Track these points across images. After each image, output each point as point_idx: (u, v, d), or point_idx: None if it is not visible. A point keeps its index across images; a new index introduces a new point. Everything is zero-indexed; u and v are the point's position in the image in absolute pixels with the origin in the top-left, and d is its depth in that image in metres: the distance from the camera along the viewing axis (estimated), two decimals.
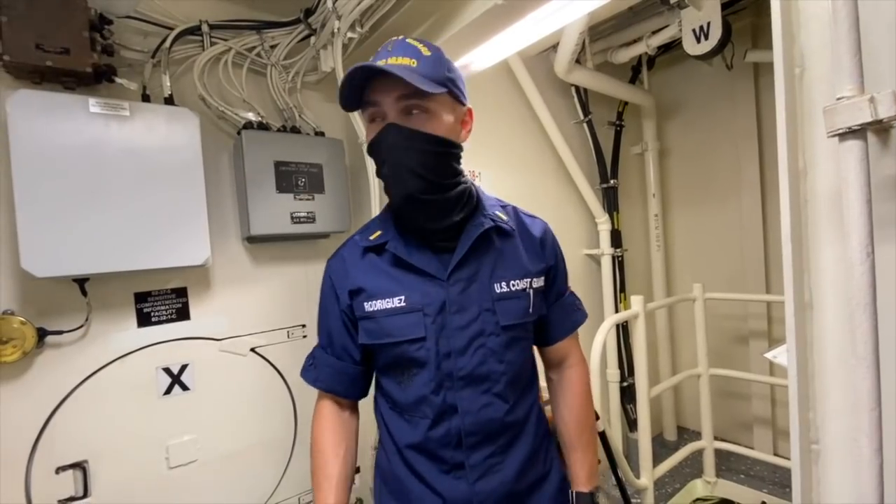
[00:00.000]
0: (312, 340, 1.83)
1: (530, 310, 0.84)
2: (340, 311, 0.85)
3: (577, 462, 0.91)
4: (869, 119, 0.50)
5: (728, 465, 2.68)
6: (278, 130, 1.64)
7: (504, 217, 0.87)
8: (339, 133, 1.83)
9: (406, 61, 0.71)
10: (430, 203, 0.77)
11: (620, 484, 1.96)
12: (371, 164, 1.64)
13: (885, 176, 0.57)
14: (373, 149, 0.77)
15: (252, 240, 1.65)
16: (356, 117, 1.60)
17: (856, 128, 0.51)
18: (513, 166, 2.44)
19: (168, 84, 1.47)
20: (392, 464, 0.84)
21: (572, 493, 0.90)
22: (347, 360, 0.87)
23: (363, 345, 0.84)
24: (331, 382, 0.88)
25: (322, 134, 1.74)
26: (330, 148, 1.69)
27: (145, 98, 1.43)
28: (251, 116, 1.59)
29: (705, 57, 2.21)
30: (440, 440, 0.79)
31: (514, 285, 0.82)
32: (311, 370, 0.91)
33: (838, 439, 0.62)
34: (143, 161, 1.32)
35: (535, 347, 0.94)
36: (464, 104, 0.82)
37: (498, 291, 0.81)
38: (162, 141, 1.36)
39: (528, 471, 0.83)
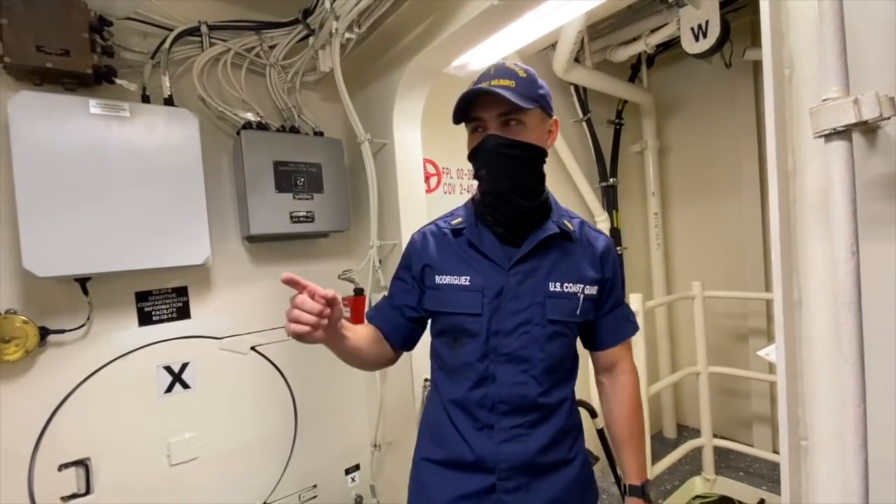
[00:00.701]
0: None
1: (577, 312, 0.93)
2: (410, 276, 0.99)
3: (628, 458, 1.00)
4: (853, 120, 0.51)
5: (727, 462, 2.69)
6: (277, 130, 1.65)
7: (570, 227, 0.97)
8: (338, 133, 1.84)
9: (506, 82, 0.84)
10: (514, 203, 0.90)
11: (619, 481, 1.98)
12: (371, 163, 1.65)
13: (871, 176, 0.57)
14: (474, 155, 0.90)
15: (252, 239, 1.67)
16: (355, 117, 1.61)
17: (840, 129, 0.52)
18: None
19: (168, 85, 1.48)
20: (437, 412, 0.98)
21: (625, 485, 1.00)
22: (398, 312, 1.00)
23: (425, 309, 0.97)
24: (380, 321, 1.01)
25: (321, 134, 1.75)
26: (329, 148, 1.70)
27: (145, 99, 1.45)
28: (250, 116, 1.60)
29: (704, 55, 2.22)
30: (477, 401, 0.91)
31: (567, 287, 0.92)
32: (373, 311, 1.05)
33: (826, 435, 0.63)
34: (143, 161, 1.34)
35: (587, 351, 1.07)
36: (551, 116, 0.95)
37: (551, 289, 0.91)
38: (162, 141, 1.37)
39: (550, 450, 0.92)
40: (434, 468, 0.95)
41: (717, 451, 2.56)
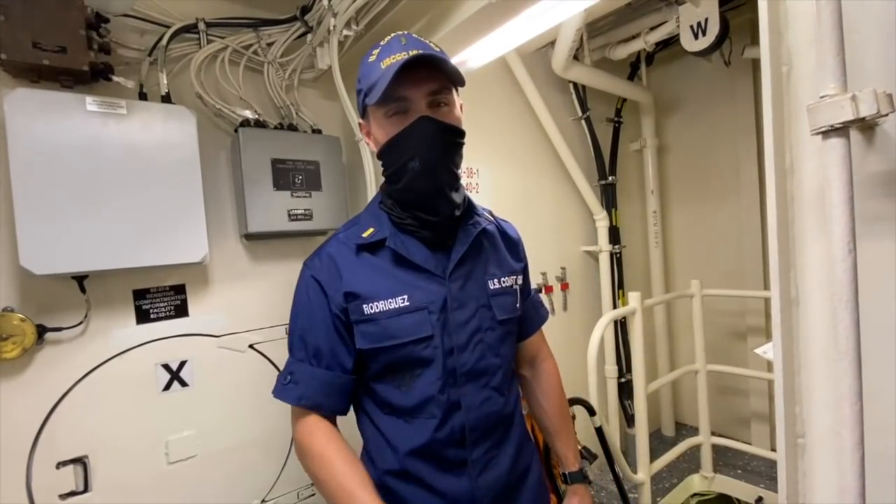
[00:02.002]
0: None
1: (517, 305, 0.88)
2: (333, 315, 0.78)
3: (563, 446, 0.97)
4: (851, 117, 0.51)
5: (725, 460, 2.70)
6: (275, 128, 1.65)
7: (491, 218, 0.92)
8: (336, 130, 1.84)
9: (433, 54, 0.72)
10: (449, 199, 0.78)
11: (617, 479, 1.98)
12: (369, 161, 1.65)
13: (869, 173, 0.57)
14: (400, 142, 0.74)
15: (250, 237, 1.66)
16: (352, 114, 1.61)
17: (838, 126, 0.52)
18: (511, 163, 2.45)
19: (165, 82, 1.47)
20: (382, 477, 0.81)
21: (564, 473, 0.96)
22: (337, 369, 0.80)
23: (360, 350, 0.79)
24: (318, 398, 0.79)
25: (319, 131, 1.75)
26: (327, 145, 1.69)
27: (142, 96, 1.44)
28: (248, 114, 1.60)
29: (703, 53, 2.21)
30: (445, 440, 0.78)
31: (504, 282, 0.86)
32: (292, 388, 0.79)
33: (823, 433, 0.63)
34: (140, 159, 1.33)
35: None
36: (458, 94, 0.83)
37: (492, 288, 0.84)
38: (159, 139, 1.37)
39: (517, 462, 0.85)
40: None
41: (716, 449, 2.57)
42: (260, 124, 1.60)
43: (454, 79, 0.75)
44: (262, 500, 1.74)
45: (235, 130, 1.57)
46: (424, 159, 0.74)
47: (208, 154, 1.58)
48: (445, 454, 0.78)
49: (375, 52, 0.76)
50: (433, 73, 0.73)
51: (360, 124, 0.86)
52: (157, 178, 1.36)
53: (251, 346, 1.71)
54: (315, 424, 0.79)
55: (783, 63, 0.67)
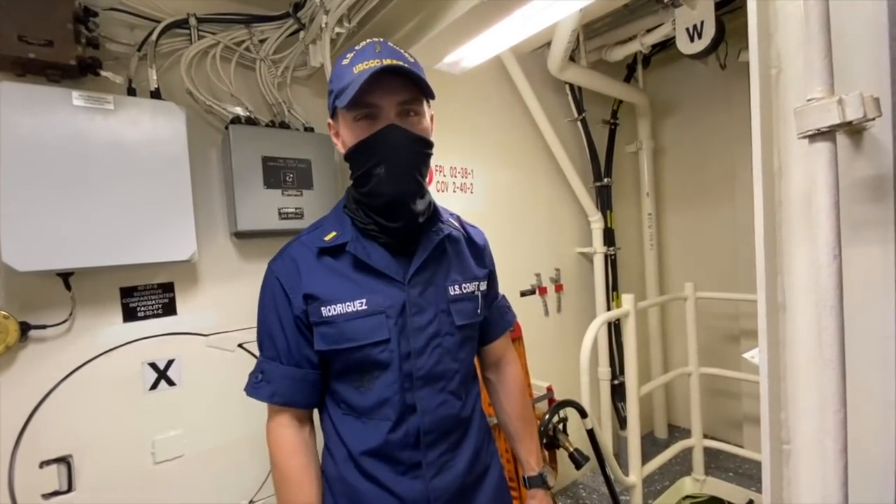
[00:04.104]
0: None
1: (479, 311, 0.90)
2: (294, 316, 0.81)
3: (525, 450, 0.99)
4: (837, 121, 0.50)
5: (717, 463, 2.70)
6: (267, 125, 1.63)
7: (456, 225, 0.93)
8: (328, 129, 1.82)
9: (400, 64, 0.73)
10: (412, 207, 0.79)
11: (608, 481, 1.97)
12: None
13: (856, 178, 0.57)
14: (366, 148, 0.75)
15: (240, 235, 1.65)
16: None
17: (825, 129, 0.51)
18: (506, 164, 2.44)
19: (155, 78, 1.46)
20: (342, 470, 0.82)
21: (524, 477, 0.98)
22: (306, 366, 0.82)
23: (319, 351, 0.81)
24: (291, 395, 0.82)
25: (311, 130, 1.73)
26: (319, 144, 1.68)
27: (131, 92, 1.42)
28: (239, 111, 1.58)
29: (699, 56, 2.21)
30: (399, 442, 0.80)
31: (465, 288, 0.88)
32: (264, 386, 0.82)
33: (808, 440, 0.63)
34: (128, 155, 1.32)
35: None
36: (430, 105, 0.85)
37: (452, 294, 0.86)
38: (148, 135, 1.35)
39: (475, 464, 0.87)
40: None
41: (708, 451, 2.57)
42: (251, 121, 1.58)
43: (425, 91, 0.76)
44: (250, 501, 1.72)
45: (226, 127, 1.56)
46: (390, 166, 0.75)
47: (198, 151, 1.56)
48: (399, 456, 0.80)
49: (350, 55, 0.77)
50: (405, 83, 0.74)
51: (329, 124, 0.87)
52: (145, 174, 1.34)
53: (240, 346, 1.70)
54: (282, 430, 0.83)
55: (772, 66, 0.66)
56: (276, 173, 1.57)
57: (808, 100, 0.53)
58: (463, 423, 0.85)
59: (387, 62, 0.71)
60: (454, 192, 2.25)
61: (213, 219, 1.63)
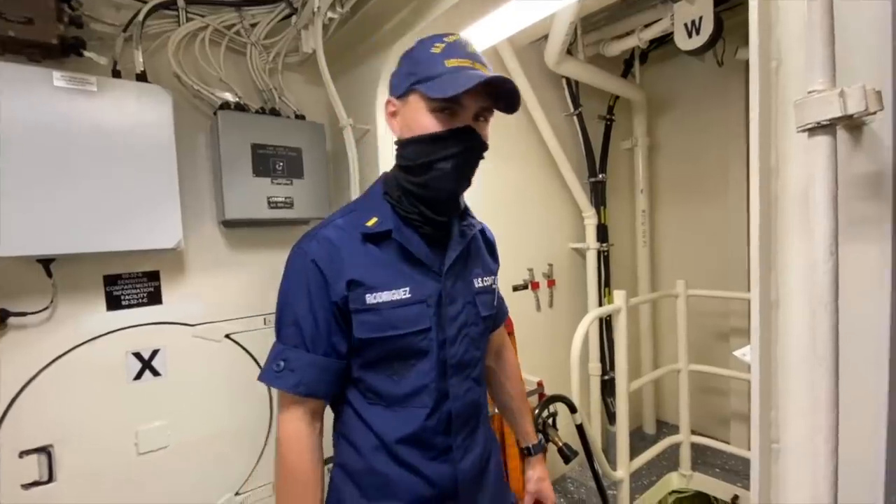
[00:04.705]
0: None
1: (495, 303, 0.95)
2: (331, 302, 0.78)
3: (525, 423, 1.11)
4: (838, 114, 0.49)
5: (704, 458, 2.72)
6: (257, 112, 1.59)
7: (477, 220, 0.96)
8: (320, 117, 1.79)
9: (488, 73, 0.73)
10: (458, 204, 0.86)
11: (596, 476, 1.98)
12: (353, 149, 1.61)
13: (855, 174, 0.55)
14: (439, 141, 0.74)
15: (228, 224, 1.62)
16: (337, 100, 1.56)
17: (825, 123, 0.50)
18: (500, 157, 2.41)
19: (141, 60, 1.41)
20: (370, 460, 0.80)
21: (528, 446, 1.09)
22: (333, 355, 0.80)
23: (358, 339, 0.79)
24: (315, 385, 0.79)
25: (303, 117, 1.70)
26: (310, 132, 1.65)
27: (116, 74, 1.38)
28: (228, 97, 1.54)
29: (696, 52, 2.20)
30: (434, 428, 0.81)
31: (485, 281, 0.91)
32: (287, 375, 0.78)
33: (798, 439, 0.62)
34: (111, 139, 1.28)
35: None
36: None
37: (476, 286, 0.88)
38: (132, 118, 1.31)
39: (485, 447, 0.91)
40: None
41: (695, 447, 2.59)
42: (240, 108, 1.55)
43: (513, 107, 0.77)
44: (236, 493, 1.71)
45: (214, 113, 1.52)
46: (457, 165, 0.76)
47: (186, 137, 1.53)
48: (433, 441, 0.81)
49: (438, 45, 0.75)
50: (488, 90, 0.74)
51: (388, 101, 0.82)
52: (130, 158, 1.30)
53: (227, 336, 1.67)
54: (297, 424, 0.79)
55: (772, 58, 0.64)
56: (266, 161, 1.54)
57: (809, 92, 0.52)
58: (480, 408, 0.90)
59: (491, 74, 0.72)
60: None
61: (201, 207, 1.60)
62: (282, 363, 0.79)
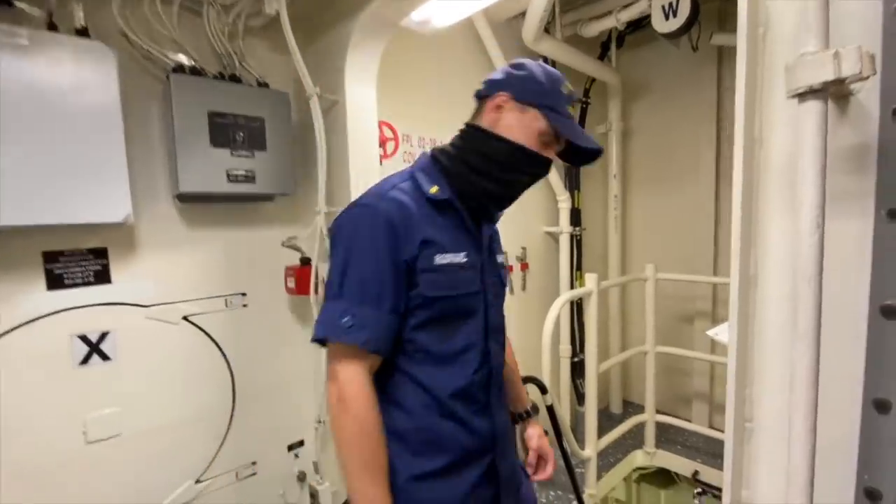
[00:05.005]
0: (254, 309, 1.76)
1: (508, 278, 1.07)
2: (402, 260, 0.80)
3: (521, 391, 1.16)
4: (832, 76, 0.46)
5: (667, 436, 2.82)
6: (215, 78, 1.48)
7: None
8: (285, 85, 1.68)
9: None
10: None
11: (565, 455, 2.01)
12: (320, 121, 1.52)
13: (839, 147, 0.53)
14: (530, 158, 0.86)
15: (184, 198, 1.51)
16: (303, 67, 1.47)
17: (817, 87, 0.47)
18: None
19: (81, 14, 1.27)
20: (419, 419, 0.85)
21: (527, 410, 1.14)
22: (395, 314, 0.81)
23: (424, 297, 0.82)
24: (383, 342, 0.80)
25: (266, 85, 1.59)
26: (274, 101, 1.54)
27: (52, 27, 1.24)
28: (183, 59, 1.42)
29: (673, 35, 2.19)
30: (479, 382, 0.88)
31: (500, 258, 1.01)
32: (358, 330, 0.78)
33: (772, 418, 0.61)
34: (46, 99, 1.15)
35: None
36: None
37: (499, 261, 0.99)
38: (71, 78, 1.19)
39: (507, 406, 1.01)
40: (430, 483, 0.84)
41: (659, 425, 2.68)
42: (196, 72, 1.43)
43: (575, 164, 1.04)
44: (197, 480, 1.64)
45: (167, 77, 1.40)
46: (529, 183, 0.90)
47: (136, 102, 1.40)
48: (477, 396, 0.89)
49: (566, 87, 0.89)
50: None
51: (502, 96, 0.87)
52: (68, 123, 1.18)
53: (185, 318, 1.57)
54: (361, 379, 0.79)
55: (760, 23, 0.61)
56: (225, 131, 1.43)
57: (802, 54, 0.49)
58: (502, 370, 0.97)
59: (591, 146, 0.88)
60: None
61: (153, 179, 1.48)
62: (349, 318, 0.78)
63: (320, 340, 0.81)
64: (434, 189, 0.86)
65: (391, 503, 0.78)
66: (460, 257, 0.84)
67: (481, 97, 0.90)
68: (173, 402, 1.57)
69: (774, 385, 0.60)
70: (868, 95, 0.53)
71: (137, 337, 1.49)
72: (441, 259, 0.82)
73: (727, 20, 2.58)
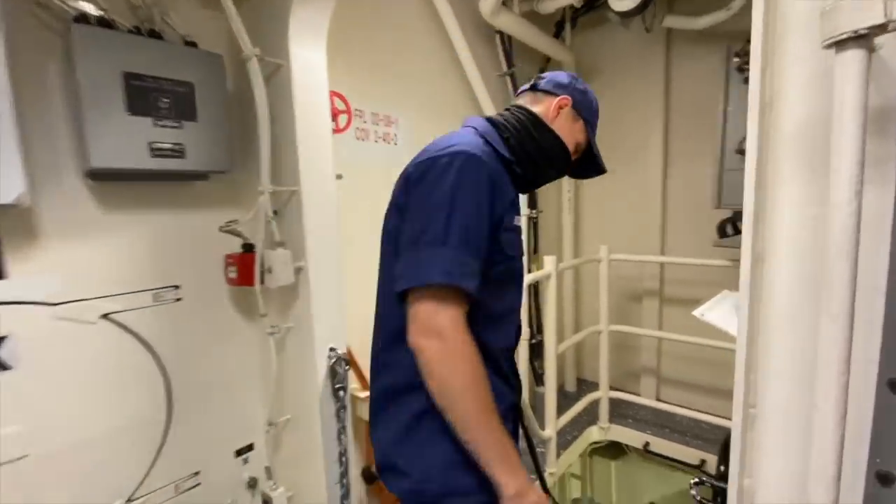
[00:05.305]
0: (189, 304, 1.55)
1: None
2: (499, 216, 0.82)
3: None
4: (881, 20, 0.40)
5: (619, 411, 2.92)
6: (130, 32, 1.25)
7: None
8: (218, 46, 1.46)
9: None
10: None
11: (528, 436, 2.00)
12: (262, 89, 1.35)
13: (875, 107, 0.49)
14: (567, 157, 0.97)
15: (96, 176, 1.27)
16: (238, 23, 1.29)
17: (863, 32, 0.41)
18: (433, 116, 2.25)
19: None
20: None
21: None
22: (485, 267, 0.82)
23: (506, 255, 0.84)
24: (479, 291, 0.79)
25: (194, 45, 1.37)
26: (205, 64, 1.34)
27: None
28: (87, 7, 1.18)
29: (628, 14, 2.18)
30: (513, 346, 0.95)
31: None
32: (472, 278, 0.77)
33: (778, 403, 0.57)
34: None
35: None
36: None
37: None
38: None
39: None
40: None
41: (611, 401, 2.76)
42: (105, 24, 1.20)
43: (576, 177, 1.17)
44: (129, 500, 1.44)
45: (68, 28, 1.15)
46: (550, 177, 1.00)
47: (26, 58, 1.15)
48: (512, 356, 0.95)
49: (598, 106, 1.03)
50: None
51: (567, 99, 0.96)
52: None
53: (104, 317, 1.36)
54: (463, 327, 0.77)
55: None
56: (145, 96, 1.21)
57: None
58: None
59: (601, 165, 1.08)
60: (376, 141, 2.01)
61: (56, 153, 1.24)
62: (464, 265, 0.77)
63: (422, 287, 0.76)
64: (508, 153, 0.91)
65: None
66: (518, 221, 0.88)
67: (539, 89, 0.96)
68: (94, 414, 1.36)
69: (781, 370, 0.56)
70: (890, 52, 0.49)
71: (44, 341, 1.26)
72: (516, 221, 0.87)
73: (677, 2, 2.62)
